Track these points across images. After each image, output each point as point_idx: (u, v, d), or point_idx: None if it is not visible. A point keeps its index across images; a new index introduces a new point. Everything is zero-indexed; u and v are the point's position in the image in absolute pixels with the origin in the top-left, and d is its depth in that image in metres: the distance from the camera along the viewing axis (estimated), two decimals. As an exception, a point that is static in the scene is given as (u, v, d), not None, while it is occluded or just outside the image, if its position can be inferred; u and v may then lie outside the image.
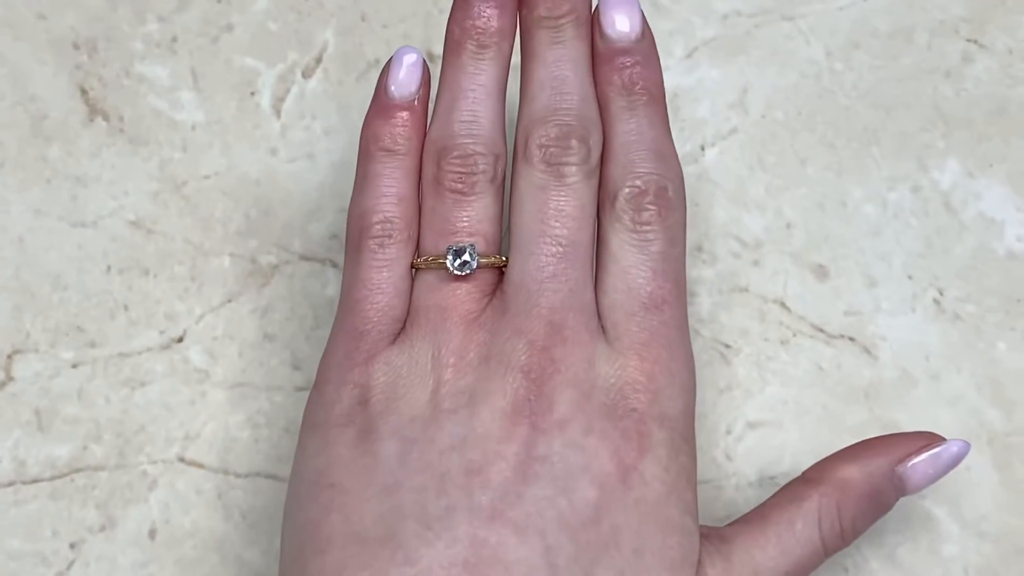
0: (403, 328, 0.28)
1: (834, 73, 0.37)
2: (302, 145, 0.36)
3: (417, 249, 0.29)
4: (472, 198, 0.29)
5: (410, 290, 0.29)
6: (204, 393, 0.34)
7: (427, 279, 0.28)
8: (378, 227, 0.29)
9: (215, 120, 0.36)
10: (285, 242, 0.35)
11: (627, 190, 0.28)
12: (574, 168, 0.28)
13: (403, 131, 0.29)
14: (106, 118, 0.36)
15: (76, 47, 0.37)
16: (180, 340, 0.34)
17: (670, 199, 0.28)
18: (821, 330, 0.35)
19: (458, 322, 0.27)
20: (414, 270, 0.29)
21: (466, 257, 0.28)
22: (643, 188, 0.28)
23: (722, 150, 0.37)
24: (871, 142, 0.36)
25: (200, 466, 0.33)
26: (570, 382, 0.26)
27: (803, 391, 0.34)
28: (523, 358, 0.26)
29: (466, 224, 0.28)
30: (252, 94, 0.36)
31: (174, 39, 0.37)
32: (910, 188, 0.36)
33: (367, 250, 0.28)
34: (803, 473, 0.28)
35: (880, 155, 0.36)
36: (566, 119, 0.28)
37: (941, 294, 0.35)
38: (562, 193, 0.28)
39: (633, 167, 0.28)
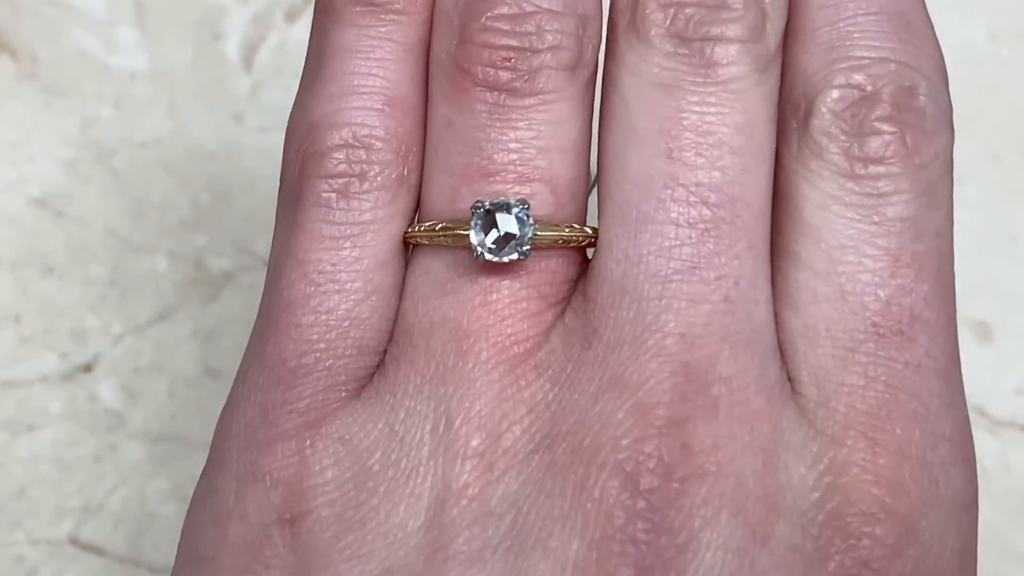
0: (381, 364, 0.18)
1: (1001, 63, 0.33)
2: (278, 111, 0.33)
3: (417, 206, 0.18)
4: (529, 103, 0.17)
5: (399, 286, 0.18)
6: (115, 446, 0.29)
7: (432, 267, 0.18)
8: (338, 157, 0.18)
9: (163, 70, 0.33)
10: (245, 241, 0.31)
11: (836, 93, 0.17)
12: (734, 50, 0.17)
13: None
14: (14, 57, 0.33)
15: (-17, -40, 0.34)
16: (88, 369, 0.30)
17: (921, 111, 0.17)
18: (983, 413, 0.30)
19: (492, 360, 0.17)
20: (409, 247, 0.18)
21: (510, 225, 0.17)
22: (869, 89, 0.17)
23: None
24: (1050, 158, 0.32)
25: (100, 552, 0.29)
26: (726, 501, 0.16)
27: (956, 498, 0.28)
28: (626, 443, 0.16)
29: (515, 156, 0.17)
30: (215, 38, 0.33)
31: (116, -42, 0.34)
32: (1101, 223, 0.32)
33: (314, 202, 0.18)
34: None
35: (1063, 176, 0.32)
36: None
37: None
38: (710, 100, 0.17)
39: (848, 48, 0.17)
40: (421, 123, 0.18)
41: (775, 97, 0.17)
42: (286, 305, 0.17)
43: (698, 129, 0.17)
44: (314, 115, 0.18)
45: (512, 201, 0.17)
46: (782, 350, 0.17)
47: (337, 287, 0.17)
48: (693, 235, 0.17)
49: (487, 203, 0.17)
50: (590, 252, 0.18)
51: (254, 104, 0.32)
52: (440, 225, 0.17)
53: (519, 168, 0.17)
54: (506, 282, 0.17)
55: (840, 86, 0.17)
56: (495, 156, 0.17)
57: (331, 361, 0.17)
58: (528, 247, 0.17)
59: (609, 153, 0.17)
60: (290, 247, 0.18)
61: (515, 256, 0.17)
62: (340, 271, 0.17)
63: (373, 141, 0.18)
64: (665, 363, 0.16)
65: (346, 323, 0.17)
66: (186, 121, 0.32)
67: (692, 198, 0.17)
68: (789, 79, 0.18)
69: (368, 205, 0.18)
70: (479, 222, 0.17)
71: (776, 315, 0.17)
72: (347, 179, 0.18)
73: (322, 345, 0.17)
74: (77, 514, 0.29)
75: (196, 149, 0.32)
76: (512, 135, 0.17)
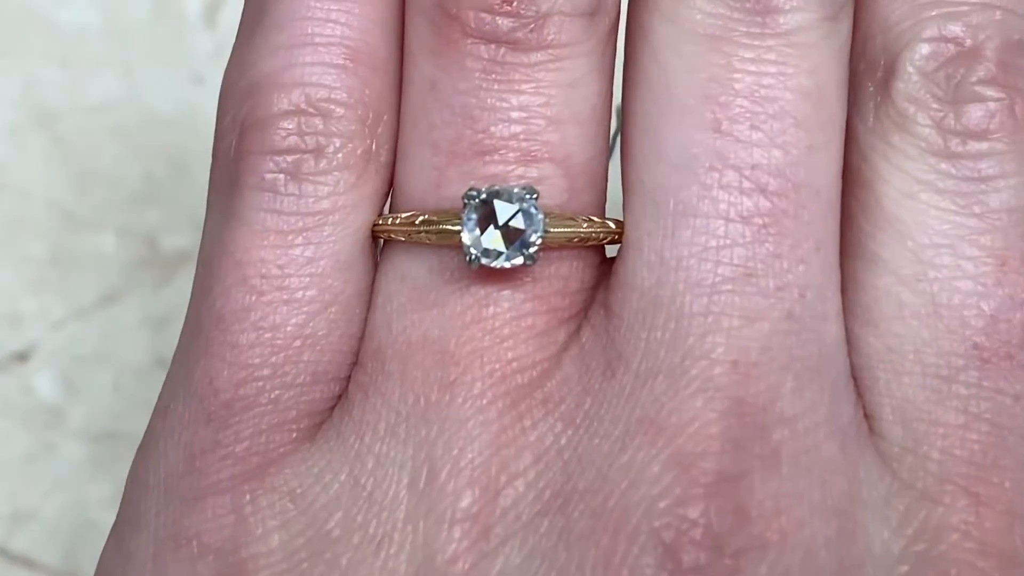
0: (343, 395, 0.15)
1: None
2: (242, 73, 0.30)
3: (389, 191, 0.16)
4: (536, 59, 0.15)
5: (367, 295, 0.16)
6: (53, 445, 0.28)
7: (410, 271, 0.15)
8: (287, 127, 0.15)
9: (116, 26, 0.32)
10: (203, 218, 0.29)
11: (926, 48, 0.15)
12: None
13: None
14: (-50, 10, 0.32)
15: (-83, -98, 0.33)
16: (24, 358, 0.29)
17: None
18: None
19: (488, 393, 0.15)
20: (379, 243, 0.16)
21: (517, 219, 0.15)
22: (968, 43, 0.15)
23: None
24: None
25: (31, 565, 0.28)
26: None
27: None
28: (664, 506, 0.14)
29: (518, 129, 0.15)
30: (175, -7, 0.32)
31: (65, -99, 0.33)
32: None
33: (256, 186, 0.15)
34: None
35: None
36: None
37: None
38: (769, 57, 0.15)
39: None
40: (395, 84, 0.15)
41: (847, 53, 0.15)
42: (219, 319, 0.15)
43: (753, 94, 0.14)
44: (256, 73, 0.15)
45: (515, 188, 0.14)
46: (856, 379, 0.14)
47: (286, 296, 0.15)
48: (748, 232, 0.14)
49: (483, 190, 0.14)
50: (611, 250, 0.15)
51: (217, 66, 0.29)
52: (421, 218, 0.15)
53: (523, 144, 0.15)
54: (506, 292, 0.15)
55: (931, 39, 0.15)
56: (492, 128, 0.15)
57: (277, 392, 0.15)
58: (537, 248, 0.14)
59: (638, 126, 0.15)
60: (224, 244, 0.15)
61: (520, 261, 0.14)
62: (289, 275, 0.15)
63: (332, 107, 0.15)
64: (713, 399, 0.14)
65: (297, 342, 0.15)
66: (140, 84, 0.31)
67: (746, 184, 0.14)
68: (864, 29, 0.15)
69: (326, 190, 0.15)
70: (473, 215, 0.14)
71: (848, 333, 0.15)
72: (298, 156, 0.15)
73: (266, 371, 0.15)
74: (7, 521, 0.28)
75: (151, 115, 0.31)
76: (514, 101, 0.15)
